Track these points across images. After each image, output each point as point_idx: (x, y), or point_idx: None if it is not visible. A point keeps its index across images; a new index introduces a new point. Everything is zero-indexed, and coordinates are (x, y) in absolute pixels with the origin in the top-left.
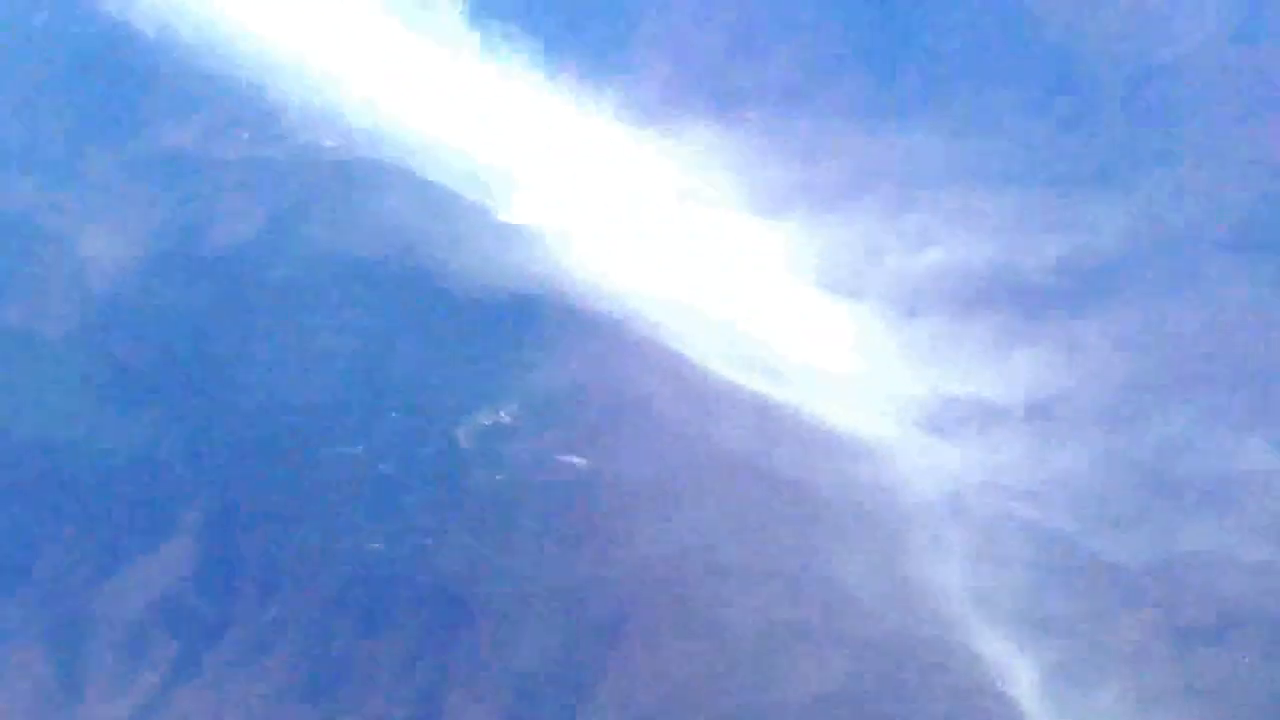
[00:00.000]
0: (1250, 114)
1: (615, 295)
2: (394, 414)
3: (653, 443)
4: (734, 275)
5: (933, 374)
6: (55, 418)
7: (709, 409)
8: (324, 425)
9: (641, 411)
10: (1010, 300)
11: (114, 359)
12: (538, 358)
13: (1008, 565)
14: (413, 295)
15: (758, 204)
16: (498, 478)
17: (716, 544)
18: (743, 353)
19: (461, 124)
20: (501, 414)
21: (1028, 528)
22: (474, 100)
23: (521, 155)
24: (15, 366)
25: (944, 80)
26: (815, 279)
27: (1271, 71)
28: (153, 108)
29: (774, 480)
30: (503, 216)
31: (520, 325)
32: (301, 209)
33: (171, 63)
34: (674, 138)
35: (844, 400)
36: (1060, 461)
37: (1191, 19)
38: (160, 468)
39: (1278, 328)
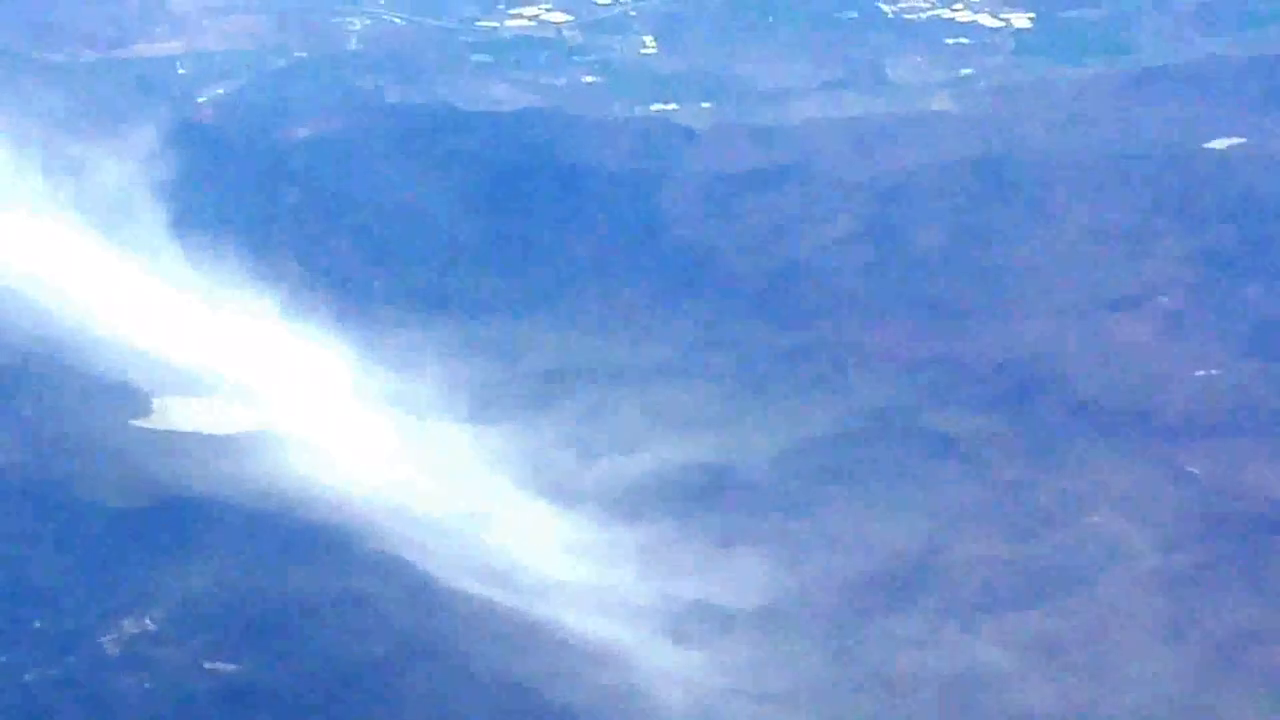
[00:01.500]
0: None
1: (299, 497)
2: (37, 623)
3: (313, 646)
4: (449, 479)
5: (660, 578)
6: None
7: (429, 609)
8: None
9: (305, 614)
10: (728, 501)
11: None
12: (185, 563)
13: None
14: (49, 502)
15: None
16: (145, 685)
17: None
18: (470, 559)
19: (123, 326)
20: (148, 621)
21: None
22: (144, 303)
23: (187, 358)
24: None
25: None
26: (531, 482)
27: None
28: None
29: (505, 687)
30: (139, 422)
31: (165, 530)
32: None
33: None
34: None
35: (577, 606)
36: (796, 664)
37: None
38: None
39: (989, 523)
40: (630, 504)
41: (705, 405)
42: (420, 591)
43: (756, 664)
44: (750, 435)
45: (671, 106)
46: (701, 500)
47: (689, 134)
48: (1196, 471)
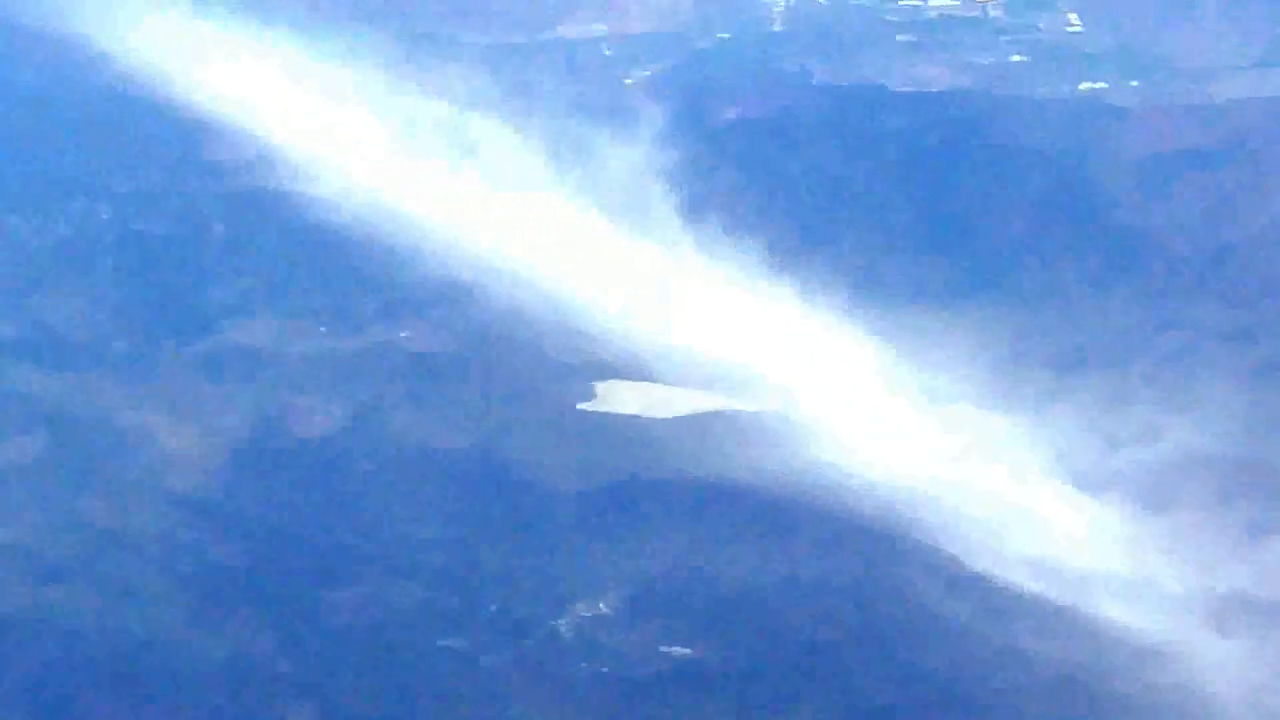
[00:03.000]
0: None
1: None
2: (492, 606)
3: (774, 629)
4: (975, 467)
5: (1195, 569)
6: (148, 618)
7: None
8: (422, 620)
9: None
10: (1258, 491)
11: (203, 557)
12: (633, 547)
13: None
14: (496, 487)
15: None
16: (602, 670)
17: None
18: (1006, 548)
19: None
20: (601, 605)
21: None
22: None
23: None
24: (105, 566)
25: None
26: (1055, 470)
27: None
28: (222, 303)
29: (1070, 685)
30: (583, 405)
31: (612, 514)
32: (380, 401)
33: (241, 257)
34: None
35: (1117, 597)
36: None
37: None
38: (259, 668)
39: None
40: (1158, 493)
41: (1207, 391)
42: (959, 579)
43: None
44: (1262, 423)
45: (1100, 85)
46: (1228, 491)
47: (1120, 113)
48: None
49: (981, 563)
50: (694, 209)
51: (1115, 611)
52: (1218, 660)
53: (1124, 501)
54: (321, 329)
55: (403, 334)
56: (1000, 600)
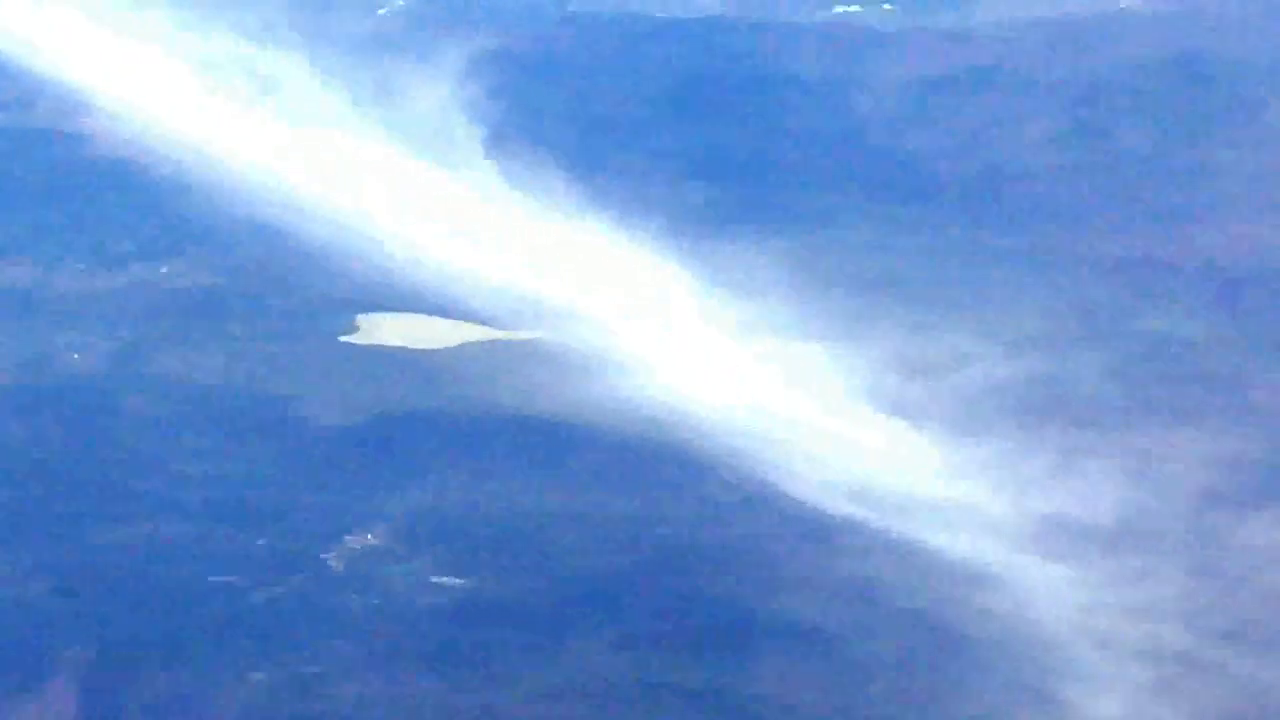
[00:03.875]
0: None
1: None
2: (261, 541)
3: (552, 559)
4: (783, 396)
5: (1012, 494)
6: None
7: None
8: (193, 556)
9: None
10: (1064, 415)
11: None
12: (402, 480)
13: (1171, 693)
14: (261, 422)
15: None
16: (374, 602)
17: None
18: (824, 475)
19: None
20: (370, 537)
21: (1180, 655)
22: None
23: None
24: None
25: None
26: (869, 399)
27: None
28: None
29: (900, 614)
30: (347, 338)
31: (380, 447)
32: (142, 339)
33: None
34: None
35: (938, 524)
36: (1157, 577)
37: None
38: (31, 607)
39: None
40: (969, 419)
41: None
42: (770, 504)
43: (1119, 578)
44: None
45: (854, 8)
46: (1040, 416)
47: (877, 36)
48: None
49: (797, 489)
50: (494, 142)
51: (937, 537)
52: (1044, 584)
53: (937, 427)
54: (81, 267)
55: (163, 270)
56: (817, 525)
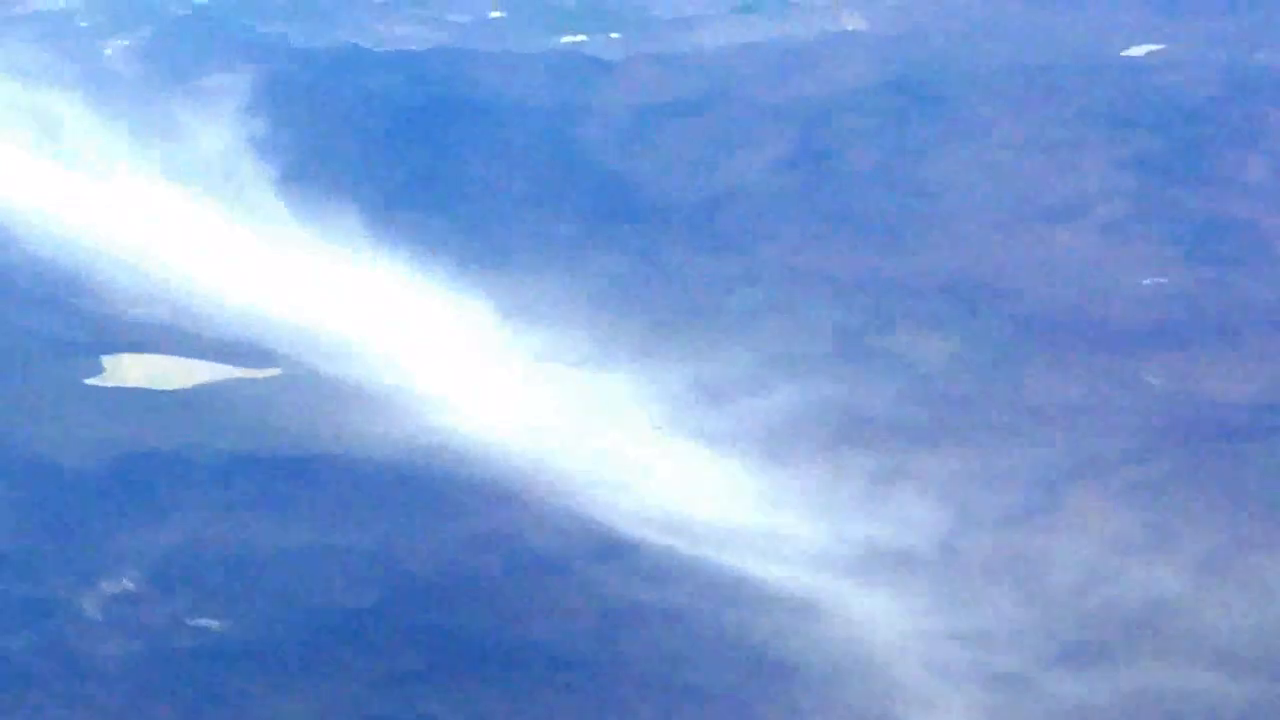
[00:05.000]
0: None
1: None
2: (12, 589)
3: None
4: (583, 426)
5: (828, 520)
6: None
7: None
8: None
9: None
10: (867, 440)
11: None
12: (154, 521)
13: (1004, 716)
14: (11, 469)
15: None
16: (132, 646)
17: None
18: (637, 506)
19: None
20: (126, 581)
21: (1010, 678)
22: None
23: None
24: None
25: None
26: (673, 427)
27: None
28: None
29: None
30: (91, 381)
31: (129, 489)
32: None
33: None
34: None
35: (755, 552)
36: (981, 602)
37: None
38: None
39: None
40: (774, 446)
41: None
42: (590, 537)
43: (943, 602)
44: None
45: (580, 38)
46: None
47: (603, 65)
48: (1155, 382)
49: (606, 518)
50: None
51: (755, 566)
52: (869, 611)
53: (743, 455)
54: None
55: None
56: (629, 556)
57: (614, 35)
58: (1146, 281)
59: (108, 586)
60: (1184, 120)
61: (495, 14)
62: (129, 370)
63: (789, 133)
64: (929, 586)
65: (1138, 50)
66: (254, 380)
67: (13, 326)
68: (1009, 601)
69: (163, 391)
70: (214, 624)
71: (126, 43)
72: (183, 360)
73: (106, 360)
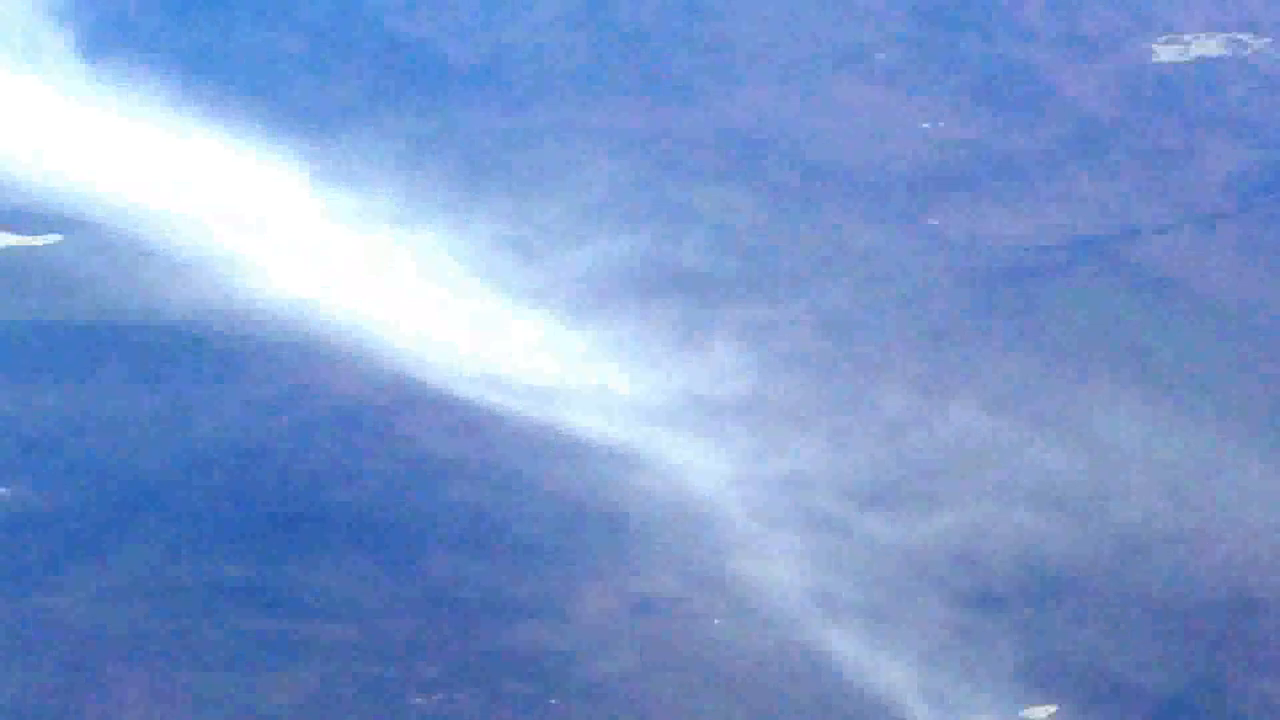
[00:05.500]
0: None
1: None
2: None
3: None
4: (393, 285)
5: (644, 373)
6: None
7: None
8: None
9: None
10: (681, 291)
11: None
12: None
13: (828, 558)
14: None
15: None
16: None
17: None
18: (455, 364)
19: None
20: None
21: (831, 521)
22: None
23: None
24: None
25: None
26: (490, 284)
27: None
28: None
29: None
30: None
31: None
32: None
33: None
34: None
35: (575, 407)
36: (799, 448)
37: None
38: None
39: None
40: (588, 300)
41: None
42: (411, 397)
43: (763, 449)
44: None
45: None
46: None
47: None
48: (937, 224)
49: (427, 377)
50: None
51: (581, 421)
52: (692, 460)
53: (554, 309)
54: None
55: None
56: (454, 413)
57: None
58: (926, 126)
59: None
60: None
61: None
62: None
63: None
64: (744, 433)
65: None
66: (46, 246)
67: None
68: (823, 445)
69: None
70: (3, 491)
71: None
72: None
73: None
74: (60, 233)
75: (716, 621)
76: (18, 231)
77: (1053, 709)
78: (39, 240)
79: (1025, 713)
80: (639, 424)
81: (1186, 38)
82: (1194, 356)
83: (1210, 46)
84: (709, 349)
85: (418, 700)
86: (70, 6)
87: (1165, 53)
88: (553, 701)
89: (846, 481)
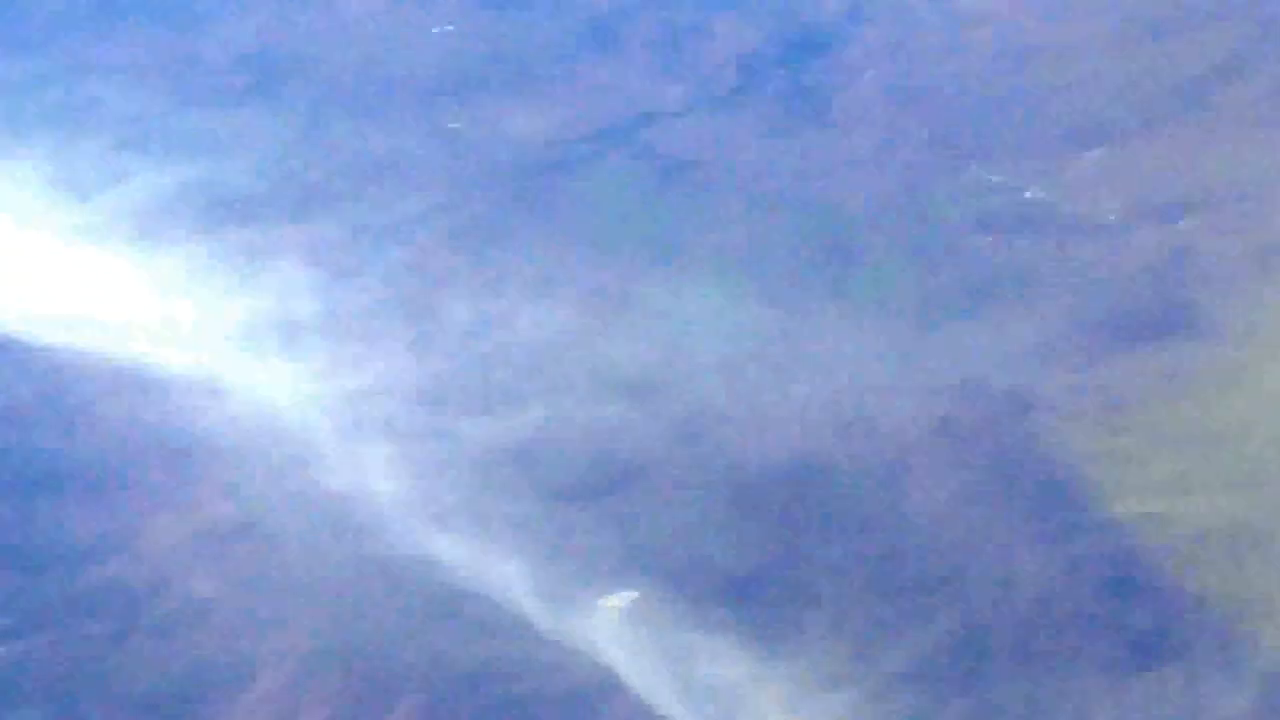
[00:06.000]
0: None
1: None
2: None
3: None
4: None
5: (217, 300)
6: None
7: None
8: None
9: None
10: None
11: None
12: None
13: (418, 461)
14: None
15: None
16: None
17: None
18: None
19: None
20: None
21: (416, 426)
22: None
23: None
24: None
25: None
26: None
27: None
28: None
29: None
30: None
31: None
32: None
33: None
34: None
35: (155, 341)
36: (377, 361)
37: None
38: None
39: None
40: (142, 233)
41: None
42: None
43: (339, 365)
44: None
45: None
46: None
47: None
48: (459, 127)
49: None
50: None
51: (155, 354)
52: (271, 382)
53: (117, 245)
54: None
55: None
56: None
57: None
58: (435, 30)
59: None
60: None
61: None
62: None
63: None
64: (321, 350)
65: None
66: None
67: None
68: (403, 355)
69: None
70: None
71: None
72: None
73: None
74: None
75: (308, 538)
76: None
77: (634, 594)
78: None
79: (601, 601)
80: (213, 352)
81: None
82: (726, 236)
83: None
84: (275, 271)
85: None
86: None
87: None
88: (132, 638)
89: (428, 388)
